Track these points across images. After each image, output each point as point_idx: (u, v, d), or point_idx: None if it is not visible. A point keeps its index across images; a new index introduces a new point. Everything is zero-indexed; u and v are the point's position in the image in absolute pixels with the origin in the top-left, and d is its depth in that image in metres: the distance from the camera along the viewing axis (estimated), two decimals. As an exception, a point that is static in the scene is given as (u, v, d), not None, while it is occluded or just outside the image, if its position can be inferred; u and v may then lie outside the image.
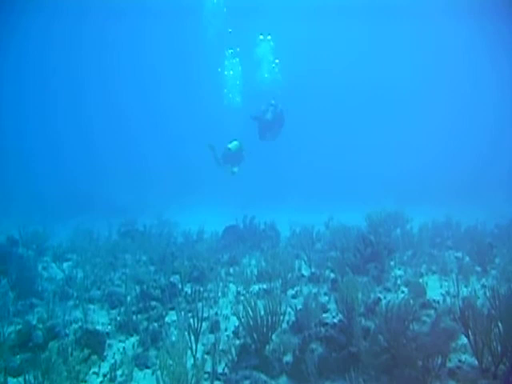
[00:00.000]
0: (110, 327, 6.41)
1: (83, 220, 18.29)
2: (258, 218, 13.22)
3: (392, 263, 9.25)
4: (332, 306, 6.96)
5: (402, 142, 37.92)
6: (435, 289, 7.79)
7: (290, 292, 7.85)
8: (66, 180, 29.62)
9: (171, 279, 8.25)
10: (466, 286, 7.83)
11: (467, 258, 9.63)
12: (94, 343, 5.39)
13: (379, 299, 6.62)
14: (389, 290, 7.73)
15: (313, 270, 8.91)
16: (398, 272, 8.96)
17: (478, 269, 8.88)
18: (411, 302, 5.45)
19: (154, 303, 6.90)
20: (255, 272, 8.79)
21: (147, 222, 15.17)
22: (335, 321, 5.91)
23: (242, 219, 13.08)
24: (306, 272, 9.00)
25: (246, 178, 14.13)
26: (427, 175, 27.90)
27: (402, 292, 7.65)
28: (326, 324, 5.72)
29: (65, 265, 10.06)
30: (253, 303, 5.36)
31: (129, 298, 7.32)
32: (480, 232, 11.73)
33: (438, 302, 6.74)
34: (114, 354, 5.60)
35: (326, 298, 7.50)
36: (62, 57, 37.88)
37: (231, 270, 9.26)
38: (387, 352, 5.04)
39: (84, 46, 36.01)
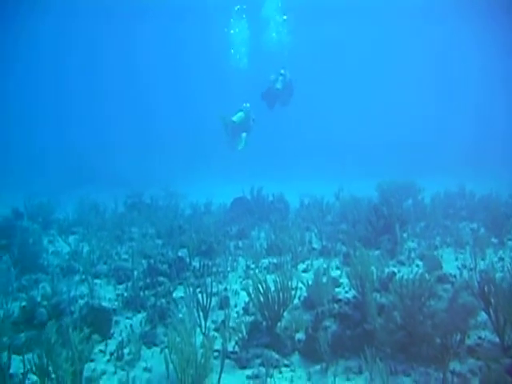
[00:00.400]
0: (116, 303, 6.24)
1: (90, 191, 18.11)
2: (266, 188, 12.98)
3: (405, 235, 9.00)
4: (344, 280, 6.76)
5: (410, 112, 37.42)
6: (451, 262, 7.56)
7: (301, 266, 7.65)
8: (73, 151, 29.42)
9: (179, 253, 8.08)
10: (482, 259, 7.57)
11: (482, 230, 9.37)
12: (100, 321, 5.22)
13: (394, 273, 6.40)
14: (403, 264, 7.52)
15: (324, 243, 8.68)
16: (412, 244, 8.72)
17: (495, 240, 8.61)
18: (427, 276, 5.22)
19: (161, 279, 6.71)
20: (264, 245, 8.60)
21: (154, 194, 14.98)
22: (349, 297, 5.71)
23: (250, 190, 12.84)
24: (316, 245, 8.79)
25: (254, 147, 13.84)
26: (436, 145, 27.48)
27: (417, 266, 7.43)
28: (340, 300, 5.52)
29: (71, 238, 9.90)
30: (263, 279, 5.15)
31: (136, 273, 7.14)
32: (494, 202, 11.42)
33: (455, 276, 6.52)
34: (121, 331, 5.43)
35: (338, 272, 7.30)
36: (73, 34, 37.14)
37: (240, 244, 9.07)
38: (403, 329, 4.84)
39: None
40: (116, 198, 13.20)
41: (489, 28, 29.15)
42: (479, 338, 4.93)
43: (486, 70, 37.29)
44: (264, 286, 5.13)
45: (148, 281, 6.71)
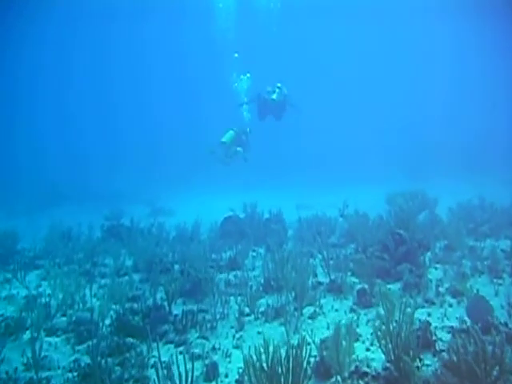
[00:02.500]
0: (71, 376, 4.76)
1: (68, 210, 16.79)
2: (261, 201, 11.62)
3: (425, 259, 7.59)
4: (363, 329, 5.36)
5: (411, 114, 36.49)
6: (491, 298, 6.04)
7: (308, 309, 6.18)
8: (53, 164, 28.00)
9: (157, 296, 6.66)
10: (530, 293, 6.12)
11: (516, 251, 7.97)
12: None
13: (428, 324, 5.00)
14: (432, 303, 6.07)
15: (332, 276, 7.22)
16: (436, 273, 7.30)
17: (535, 266, 7.22)
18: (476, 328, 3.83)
19: (131, 340, 5.23)
20: (261, 280, 7.19)
21: (137, 212, 13.65)
22: (378, 370, 4.29)
23: (243, 207, 11.50)
24: (322, 278, 7.36)
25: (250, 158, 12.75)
26: (439, 148, 26.21)
27: (450, 305, 5.99)
28: (366, 374, 4.12)
29: (32, 275, 8.39)
30: (262, 344, 3.71)
31: (101, 329, 5.69)
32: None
33: (506, 325, 5.10)
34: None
35: (353, 316, 5.86)
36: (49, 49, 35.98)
37: (232, 278, 7.61)
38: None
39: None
40: (92, 220, 11.70)
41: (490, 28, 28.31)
42: None
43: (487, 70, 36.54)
44: (266, 357, 3.70)
45: (115, 341, 5.25)
